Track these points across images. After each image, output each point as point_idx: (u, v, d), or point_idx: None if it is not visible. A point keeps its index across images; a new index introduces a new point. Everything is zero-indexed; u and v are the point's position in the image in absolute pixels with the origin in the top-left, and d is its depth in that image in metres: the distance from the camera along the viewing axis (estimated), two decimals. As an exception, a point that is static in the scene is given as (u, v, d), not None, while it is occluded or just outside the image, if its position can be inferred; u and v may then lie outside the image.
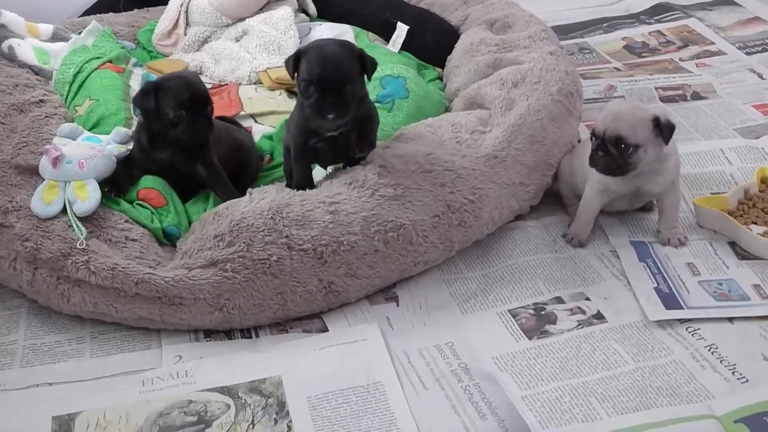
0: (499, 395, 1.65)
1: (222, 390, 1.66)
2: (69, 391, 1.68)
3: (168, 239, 1.92)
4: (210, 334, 1.82)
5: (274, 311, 1.80)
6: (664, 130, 1.87)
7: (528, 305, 1.88)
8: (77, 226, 1.80)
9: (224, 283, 1.76)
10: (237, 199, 1.88)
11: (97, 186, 1.86)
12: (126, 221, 1.87)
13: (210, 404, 1.63)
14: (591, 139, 1.91)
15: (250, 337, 1.81)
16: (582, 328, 1.81)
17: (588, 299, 1.88)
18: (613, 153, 1.86)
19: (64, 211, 1.83)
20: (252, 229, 1.78)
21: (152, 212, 1.92)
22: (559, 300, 1.89)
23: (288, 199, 1.83)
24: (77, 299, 1.79)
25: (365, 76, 1.82)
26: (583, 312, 1.85)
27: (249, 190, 1.91)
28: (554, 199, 2.18)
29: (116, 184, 1.91)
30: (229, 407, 1.62)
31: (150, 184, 1.94)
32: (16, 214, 1.83)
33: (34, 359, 1.77)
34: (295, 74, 1.81)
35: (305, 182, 1.91)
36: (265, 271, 1.77)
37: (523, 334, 1.80)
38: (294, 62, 1.80)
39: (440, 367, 1.73)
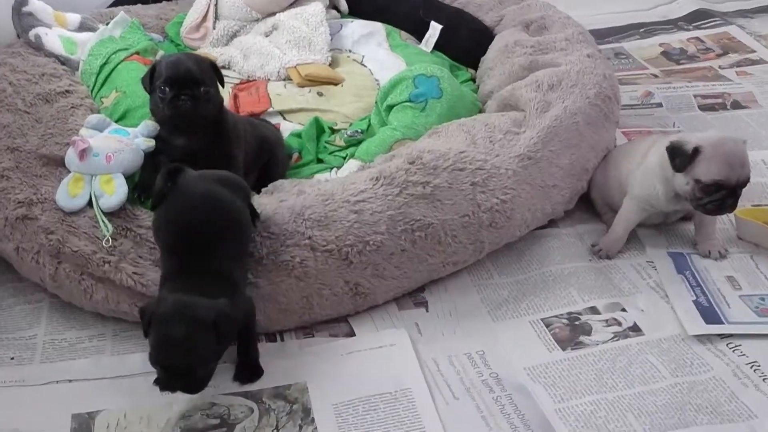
0: (531, 407, 1.60)
1: (245, 394, 1.61)
2: (89, 389, 1.64)
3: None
4: (235, 336, 1.77)
5: (299, 315, 1.75)
6: None
7: (562, 314, 1.82)
8: (103, 222, 1.76)
9: (248, 289, 1.71)
10: (255, 203, 1.82)
11: (124, 181, 1.82)
12: (154, 219, 1.82)
13: (233, 408, 1.58)
14: (705, 188, 1.80)
15: (275, 341, 1.76)
16: (618, 340, 1.75)
17: (624, 310, 1.82)
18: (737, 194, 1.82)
19: (89, 205, 1.79)
20: (273, 233, 1.73)
21: (178, 210, 1.87)
22: (594, 310, 1.83)
23: (310, 200, 1.79)
24: (100, 296, 1.75)
25: None
26: (619, 324, 1.79)
27: (264, 189, 1.87)
28: (589, 206, 2.12)
29: (144, 187, 1.86)
30: (252, 411, 1.58)
31: (176, 179, 1.90)
32: (41, 207, 1.79)
33: (54, 355, 1.73)
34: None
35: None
36: (290, 274, 1.72)
37: (556, 344, 1.74)
38: None
39: (470, 376, 1.67)
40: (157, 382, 1.48)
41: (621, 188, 1.98)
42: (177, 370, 1.46)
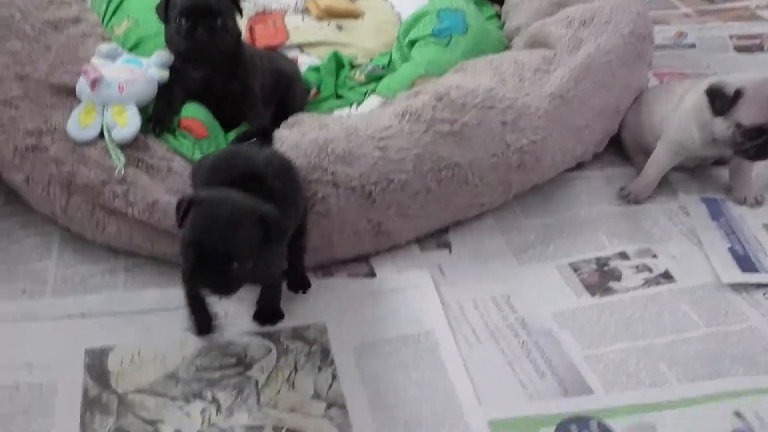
0: (558, 353, 1.54)
1: (263, 334, 1.56)
2: (102, 325, 1.58)
3: (208, 172, 1.80)
4: (251, 274, 1.71)
5: (319, 254, 1.69)
6: None
7: (590, 259, 1.75)
8: (115, 154, 1.69)
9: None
10: (275, 135, 1.74)
11: (137, 112, 1.74)
12: (167, 150, 1.75)
13: (250, 347, 1.53)
14: (747, 132, 1.72)
15: (294, 280, 1.70)
16: (649, 287, 1.68)
17: (655, 257, 1.76)
18: None
19: (101, 136, 1.71)
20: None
21: (193, 143, 1.80)
22: (623, 256, 1.76)
23: (333, 134, 1.71)
24: (112, 230, 1.69)
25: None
26: (650, 270, 1.73)
27: (284, 122, 1.80)
28: (618, 149, 2.05)
29: (159, 118, 1.79)
30: (270, 351, 1.52)
31: (192, 113, 1.81)
32: (50, 137, 1.72)
33: (65, 289, 1.67)
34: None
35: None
36: (310, 210, 1.65)
37: (585, 289, 1.68)
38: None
39: (495, 320, 1.61)
40: (184, 273, 1.33)
41: (655, 132, 1.91)
42: (213, 255, 1.29)
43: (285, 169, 1.54)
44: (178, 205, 1.35)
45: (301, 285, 1.65)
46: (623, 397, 1.46)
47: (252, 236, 1.32)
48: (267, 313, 1.59)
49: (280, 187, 1.46)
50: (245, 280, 1.34)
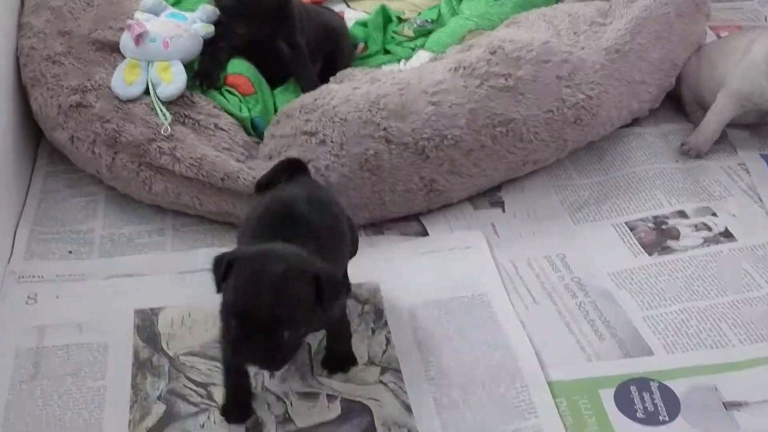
0: (616, 314, 1.50)
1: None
2: (151, 285, 1.56)
3: (254, 130, 1.77)
4: (301, 233, 1.68)
5: (370, 211, 1.65)
6: None
7: (647, 218, 1.70)
8: (161, 111, 1.66)
9: (317, 180, 1.60)
10: (325, 90, 1.71)
11: (183, 68, 1.71)
12: (214, 107, 1.72)
13: (301, 308, 1.50)
14: None
15: (344, 238, 1.67)
16: (708, 246, 1.63)
17: (714, 215, 1.70)
18: None
19: (147, 92, 1.68)
20: (346, 122, 1.62)
21: (240, 100, 1.76)
22: (682, 214, 1.71)
23: (385, 89, 1.66)
24: (159, 188, 1.66)
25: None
26: (709, 228, 1.68)
27: (332, 77, 1.75)
28: (674, 104, 1.98)
29: (206, 74, 1.75)
30: (322, 313, 1.49)
31: (238, 69, 1.78)
32: (95, 94, 1.69)
33: (112, 250, 1.64)
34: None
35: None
36: (362, 166, 1.61)
37: (642, 249, 1.63)
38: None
39: (551, 280, 1.57)
40: (227, 346, 1.14)
41: (715, 86, 1.84)
42: (259, 324, 1.10)
43: (329, 203, 1.35)
44: (217, 264, 1.16)
45: (345, 363, 1.40)
46: (684, 359, 1.42)
47: (304, 299, 1.12)
48: (337, 358, 1.39)
49: (328, 230, 1.29)
50: (298, 348, 1.17)
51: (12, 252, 1.62)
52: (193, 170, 1.62)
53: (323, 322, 1.26)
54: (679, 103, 1.98)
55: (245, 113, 1.74)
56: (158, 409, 1.33)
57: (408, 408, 1.33)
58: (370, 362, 1.41)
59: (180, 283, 1.56)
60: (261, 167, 1.62)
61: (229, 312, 1.12)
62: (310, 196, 1.32)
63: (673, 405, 1.34)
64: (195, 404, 1.34)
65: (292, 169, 1.41)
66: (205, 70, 1.75)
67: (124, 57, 1.73)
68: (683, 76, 1.94)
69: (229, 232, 1.66)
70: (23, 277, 1.56)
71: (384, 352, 1.42)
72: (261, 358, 1.13)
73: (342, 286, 1.23)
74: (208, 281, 1.54)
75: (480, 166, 1.68)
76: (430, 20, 2.07)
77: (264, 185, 1.41)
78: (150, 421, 1.32)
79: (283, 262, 1.12)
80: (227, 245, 1.63)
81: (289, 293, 1.10)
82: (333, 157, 1.61)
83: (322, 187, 1.44)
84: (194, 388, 1.37)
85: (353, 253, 1.42)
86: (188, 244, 1.66)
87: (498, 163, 1.70)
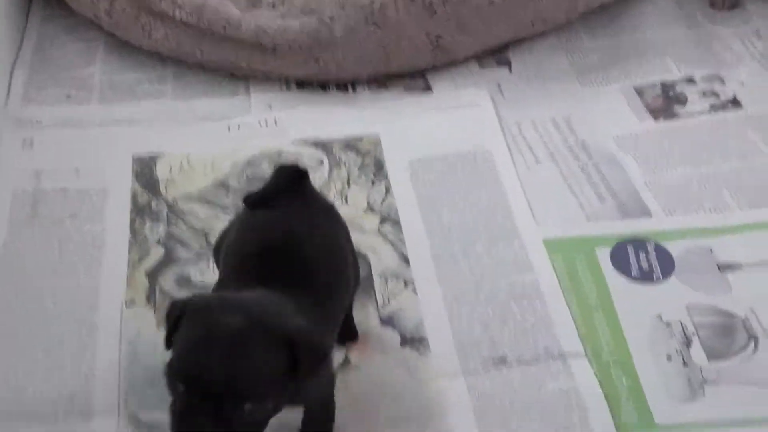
0: (619, 177, 1.49)
1: (315, 144, 1.51)
2: (150, 132, 1.54)
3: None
4: (303, 84, 1.65)
5: (374, 65, 1.62)
6: None
7: (655, 83, 1.67)
8: (160, -48, 1.60)
9: (322, 32, 1.57)
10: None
11: None
12: (216, -49, 1.66)
13: (302, 158, 1.49)
14: None
15: (347, 91, 1.64)
16: (715, 112, 1.61)
17: (723, 82, 1.67)
18: None
19: (145, -67, 1.63)
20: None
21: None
22: (690, 80, 1.68)
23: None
24: (159, 35, 1.62)
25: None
26: (717, 95, 1.65)
27: None
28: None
29: None
30: (322, 163, 1.49)
31: None
32: (93, -67, 1.64)
33: (112, 96, 1.62)
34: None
35: None
36: (367, 19, 1.58)
37: (648, 113, 1.61)
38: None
39: (555, 141, 1.56)
40: (174, 418, 0.85)
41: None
42: (212, 393, 0.82)
43: (334, 233, 1.08)
44: (169, 312, 0.90)
45: (348, 335, 1.20)
46: (682, 221, 1.41)
47: (271, 365, 0.85)
48: None
49: (333, 273, 1.03)
50: (263, 426, 0.89)
51: (8, 96, 1.60)
52: (193, 18, 1.58)
53: (301, 398, 0.98)
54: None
55: (249, -41, 1.69)
56: (157, 252, 1.34)
57: (406, 260, 1.33)
58: (370, 208, 1.41)
59: (180, 130, 1.55)
60: (264, 16, 1.58)
61: (174, 374, 0.86)
62: (312, 225, 1.04)
63: (667, 264, 1.34)
64: (194, 250, 1.35)
65: (291, 179, 1.08)
66: None
67: None
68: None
69: (231, 82, 1.64)
70: (20, 120, 1.55)
71: (384, 200, 1.42)
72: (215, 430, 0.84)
73: (329, 352, 0.96)
74: (207, 129, 1.54)
75: (487, 24, 1.64)
76: None
77: (257, 203, 1.07)
78: (149, 262, 1.32)
79: (244, 315, 0.86)
80: (227, 96, 1.63)
81: (248, 355, 0.84)
82: (338, 8, 1.57)
83: (324, 204, 1.12)
84: (193, 233, 1.37)
85: (356, 285, 1.15)
86: (189, 93, 1.63)
87: (506, 21, 1.65)
